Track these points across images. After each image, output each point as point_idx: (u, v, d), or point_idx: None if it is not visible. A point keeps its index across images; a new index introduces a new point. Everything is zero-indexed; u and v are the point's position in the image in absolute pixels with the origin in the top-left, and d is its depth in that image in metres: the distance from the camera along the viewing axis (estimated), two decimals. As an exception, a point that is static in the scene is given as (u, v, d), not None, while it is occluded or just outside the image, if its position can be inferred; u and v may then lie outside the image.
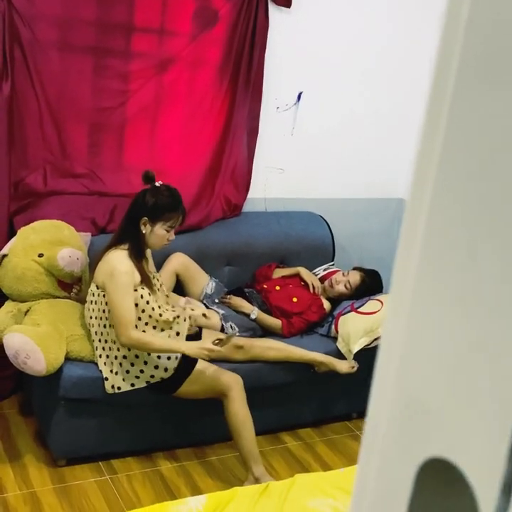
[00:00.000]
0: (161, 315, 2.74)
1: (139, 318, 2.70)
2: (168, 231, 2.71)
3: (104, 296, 2.66)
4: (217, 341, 2.73)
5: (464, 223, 0.44)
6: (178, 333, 2.80)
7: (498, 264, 0.42)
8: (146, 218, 2.67)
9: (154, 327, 2.74)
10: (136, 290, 2.66)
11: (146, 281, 2.69)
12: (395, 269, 0.49)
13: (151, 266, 2.87)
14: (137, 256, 2.67)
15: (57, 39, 3.02)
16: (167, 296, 2.90)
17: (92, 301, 2.72)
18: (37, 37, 2.95)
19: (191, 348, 2.68)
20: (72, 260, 2.81)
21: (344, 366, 3.10)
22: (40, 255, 2.83)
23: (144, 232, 2.68)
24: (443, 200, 0.46)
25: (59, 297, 2.89)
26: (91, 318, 2.74)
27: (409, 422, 0.48)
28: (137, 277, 2.66)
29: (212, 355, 2.71)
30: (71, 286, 2.92)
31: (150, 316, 2.71)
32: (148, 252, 2.83)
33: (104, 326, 2.71)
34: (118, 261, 2.63)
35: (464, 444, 0.44)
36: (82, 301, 2.94)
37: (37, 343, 2.58)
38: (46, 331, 2.66)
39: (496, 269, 0.42)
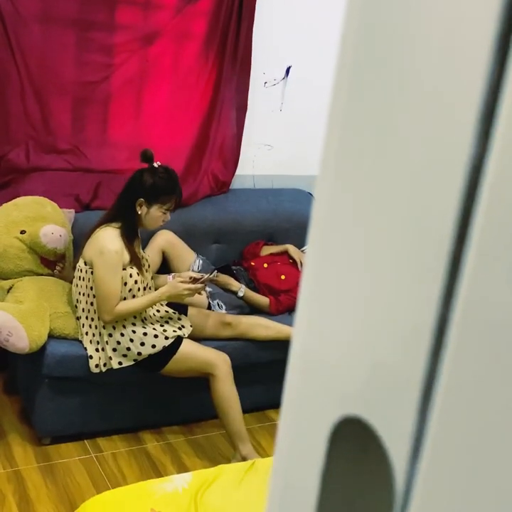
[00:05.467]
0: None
1: (124, 298, 2.66)
2: (164, 213, 2.67)
3: (91, 273, 2.63)
4: (190, 279, 2.70)
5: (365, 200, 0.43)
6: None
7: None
8: (142, 199, 2.62)
9: None
10: (124, 269, 2.63)
11: (135, 261, 2.66)
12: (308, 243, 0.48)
13: (151, 249, 2.85)
14: (129, 236, 2.63)
15: (39, 12, 2.95)
16: (152, 278, 2.86)
17: (80, 278, 2.68)
18: (18, 10, 2.88)
19: (169, 290, 2.65)
20: (54, 237, 2.77)
21: None
22: (23, 232, 2.79)
23: (139, 213, 2.64)
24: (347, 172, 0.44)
25: (42, 274, 2.85)
26: (79, 294, 2.71)
27: (318, 381, 0.45)
28: (126, 257, 2.62)
29: (193, 291, 2.67)
30: (54, 263, 2.88)
31: (133, 296, 2.68)
32: (153, 236, 2.81)
33: (91, 304, 2.68)
34: (109, 239, 2.59)
35: (374, 402, 0.42)
36: (66, 278, 2.91)
37: (19, 320, 2.54)
38: (29, 308, 2.62)
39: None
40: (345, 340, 0.43)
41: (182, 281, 2.67)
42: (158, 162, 2.67)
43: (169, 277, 2.95)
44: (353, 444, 0.43)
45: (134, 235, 2.68)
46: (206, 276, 2.75)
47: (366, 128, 0.42)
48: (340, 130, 0.44)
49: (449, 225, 0.37)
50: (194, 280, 2.69)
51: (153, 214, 2.65)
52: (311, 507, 0.45)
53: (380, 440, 0.40)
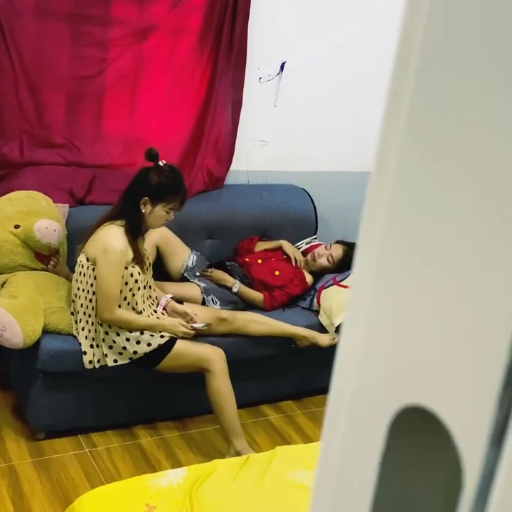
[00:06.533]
0: (150, 297, 2.74)
1: (125, 298, 2.66)
2: (167, 212, 2.67)
3: (93, 269, 2.62)
4: (191, 319, 2.81)
5: (427, 199, 0.42)
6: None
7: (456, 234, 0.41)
8: (146, 198, 2.61)
9: (133, 308, 2.70)
10: (126, 268, 2.62)
11: (138, 260, 2.65)
12: (360, 234, 0.47)
13: (146, 244, 2.86)
14: (133, 234, 2.62)
15: (34, 5, 2.94)
16: (150, 287, 2.86)
17: (81, 273, 2.67)
18: (13, 3, 2.86)
19: (174, 324, 2.71)
20: (49, 232, 2.76)
21: (326, 339, 3.09)
22: (17, 227, 2.78)
23: (143, 211, 2.62)
24: (406, 173, 0.43)
25: (36, 269, 2.84)
26: (78, 289, 2.70)
27: (380, 369, 0.44)
28: (130, 255, 2.62)
29: (189, 334, 2.77)
30: (48, 258, 2.87)
31: (133, 295, 2.68)
32: (147, 231, 2.82)
33: (90, 300, 2.67)
34: (114, 238, 2.58)
35: (444, 389, 0.40)
36: (59, 273, 2.90)
37: (14, 315, 2.54)
38: (23, 303, 2.61)
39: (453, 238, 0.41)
40: (411, 328, 0.42)
41: (183, 324, 2.77)
42: (163, 160, 2.65)
43: (162, 300, 2.90)
44: (410, 431, 0.42)
45: (138, 233, 2.68)
46: (198, 325, 2.82)
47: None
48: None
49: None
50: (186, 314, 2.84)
51: (157, 213, 2.64)
52: (368, 495, 0.44)
53: (448, 430, 0.39)
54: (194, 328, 2.78)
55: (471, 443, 0.39)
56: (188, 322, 2.79)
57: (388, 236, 0.44)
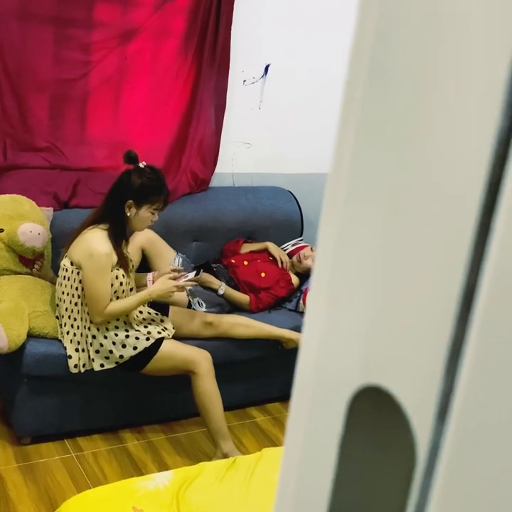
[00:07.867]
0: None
1: (110, 300, 2.65)
2: (152, 213, 2.66)
3: (78, 273, 2.61)
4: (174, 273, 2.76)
5: (383, 192, 0.44)
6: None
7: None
8: (131, 201, 2.60)
9: None
10: (111, 271, 2.61)
11: (122, 262, 2.64)
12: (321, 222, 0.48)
13: (131, 247, 2.84)
14: (117, 238, 2.62)
15: (17, 8, 2.92)
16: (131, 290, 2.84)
17: (65, 277, 2.66)
18: (-5, 6, 2.85)
19: (160, 287, 2.69)
20: (33, 235, 2.75)
21: None
22: (0, 230, 2.76)
23: (128, 214, 2.62)
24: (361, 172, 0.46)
25: (20, 273, 2.82)
26: (62, 293, 2.68)
27: (337, 350, 0.46)
28: (114, 259, 2.61)
29: (180, 288, 2.72)
30: (33, 261, 2.85)
31: (117, 298, 2.67)
32: (133, 234, 2.80)
33: (76, 304, 2.65)
34: (98, 242, 2.57)
35: (396, 367, 0.42)
36: (44, 277, 2.88)
37: (-2, 319, 2.52)
38: (7, 308, 2.60)
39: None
40: (365, 308, 0.43)
41: (171, 278, 2.69)
42: (143, 162, 2.65)
43: (149, 276, 2.94)
44: (370, 412, 0.43)
45: (122, 237, 2.67)
46: (190, 274, 2.76)
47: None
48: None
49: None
50: (177, 272, 2.76)
51: (142, 215, 2.64)
52: (329, 477, 0.45)
53: (401, 408, 0.40)
54: (187, 279, 2.74)
55: (421, 418, 0.40)
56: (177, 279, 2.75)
57: (346, 221, 0.46)
